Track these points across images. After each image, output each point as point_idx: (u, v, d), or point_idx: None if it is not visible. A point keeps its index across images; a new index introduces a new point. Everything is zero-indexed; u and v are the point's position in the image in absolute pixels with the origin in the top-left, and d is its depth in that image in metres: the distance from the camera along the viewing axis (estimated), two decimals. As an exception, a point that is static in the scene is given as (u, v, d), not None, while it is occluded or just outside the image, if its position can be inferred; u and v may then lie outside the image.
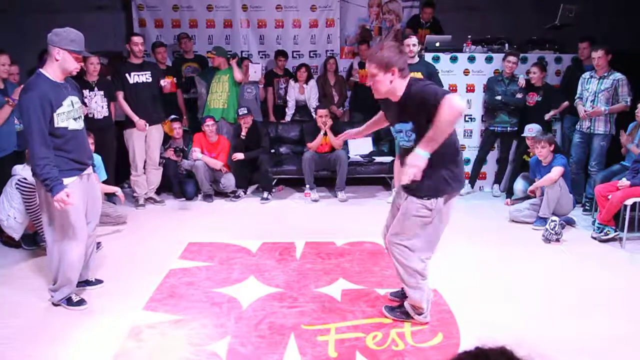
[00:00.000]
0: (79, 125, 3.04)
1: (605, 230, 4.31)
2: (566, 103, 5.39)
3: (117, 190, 4.64)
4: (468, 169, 5.85)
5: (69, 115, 2.94)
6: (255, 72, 6.23)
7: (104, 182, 4.77)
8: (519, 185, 5.30)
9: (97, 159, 4.66)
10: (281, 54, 6.74)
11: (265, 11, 7.23)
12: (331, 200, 5.68)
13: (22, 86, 3.16)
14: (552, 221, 4.32)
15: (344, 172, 5.63)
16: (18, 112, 3.62)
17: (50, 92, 2.85)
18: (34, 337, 2.81)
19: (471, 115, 5.93)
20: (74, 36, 2.91)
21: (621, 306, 3.17)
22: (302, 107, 6.66)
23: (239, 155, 5.60)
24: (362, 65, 6.64)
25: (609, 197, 4.28)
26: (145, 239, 4.39)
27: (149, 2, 7.11)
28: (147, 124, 5.14)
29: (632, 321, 2.97)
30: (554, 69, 5.96)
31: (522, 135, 5.26)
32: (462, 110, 2.37)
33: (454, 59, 5.84)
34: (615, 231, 4.30)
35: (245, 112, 5.62)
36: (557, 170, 4.60)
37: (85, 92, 4.78)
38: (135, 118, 5.09)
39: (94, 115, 4.91)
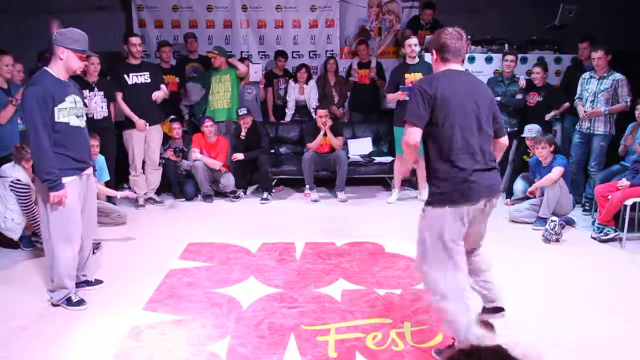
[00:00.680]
0: (81, 123, 3.06)
1: (605, 231, 4.30)
2: (567, 104, 5.38)
3: (117, 194, 4.65)
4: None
5: (70, 112, 2.96)
6: (256, 72, 6.22)
7: (106, 183, 4.79)
8: (519, 185, 5.29)
9: (100, 159, 4.67)
10: (281, 54, 6.73)
11: (265, 11, 7.22)
12: (331, 200, 5.67)
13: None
14: (552, 221, 4.31)
15: (343, 172, 5.62)
16: (21, 112, 3.63)
17: (53, 87, 2.89)
18: (34, 337, 2.81)
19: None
20: (78, 36, 2.98)
21: (621, 306, 3.17)
22: (302, 108, 6.66)
23: (239, 156, 5.59)
24: (361, 66, 6.65)
25: (609, 197, 4.27)
26: (145, 239, 4.38)
27: (148, 2, 7.11)
28: (147, 124, 5.15)
29: (632, 321, 2.96)
30: (553, 69, 5.96)
31: (522, 135, 5.26)
32: (409, 143, 2.40)
33: (454, 60, 5.83)
34: (615, 231, 4.29)
35: (245, 112, 5.62)
36: (557, 171, 4.60)
37: (85, 92, 4.77)
38: (135, 118, 5.09)
39: (93, 116, 4.90)
